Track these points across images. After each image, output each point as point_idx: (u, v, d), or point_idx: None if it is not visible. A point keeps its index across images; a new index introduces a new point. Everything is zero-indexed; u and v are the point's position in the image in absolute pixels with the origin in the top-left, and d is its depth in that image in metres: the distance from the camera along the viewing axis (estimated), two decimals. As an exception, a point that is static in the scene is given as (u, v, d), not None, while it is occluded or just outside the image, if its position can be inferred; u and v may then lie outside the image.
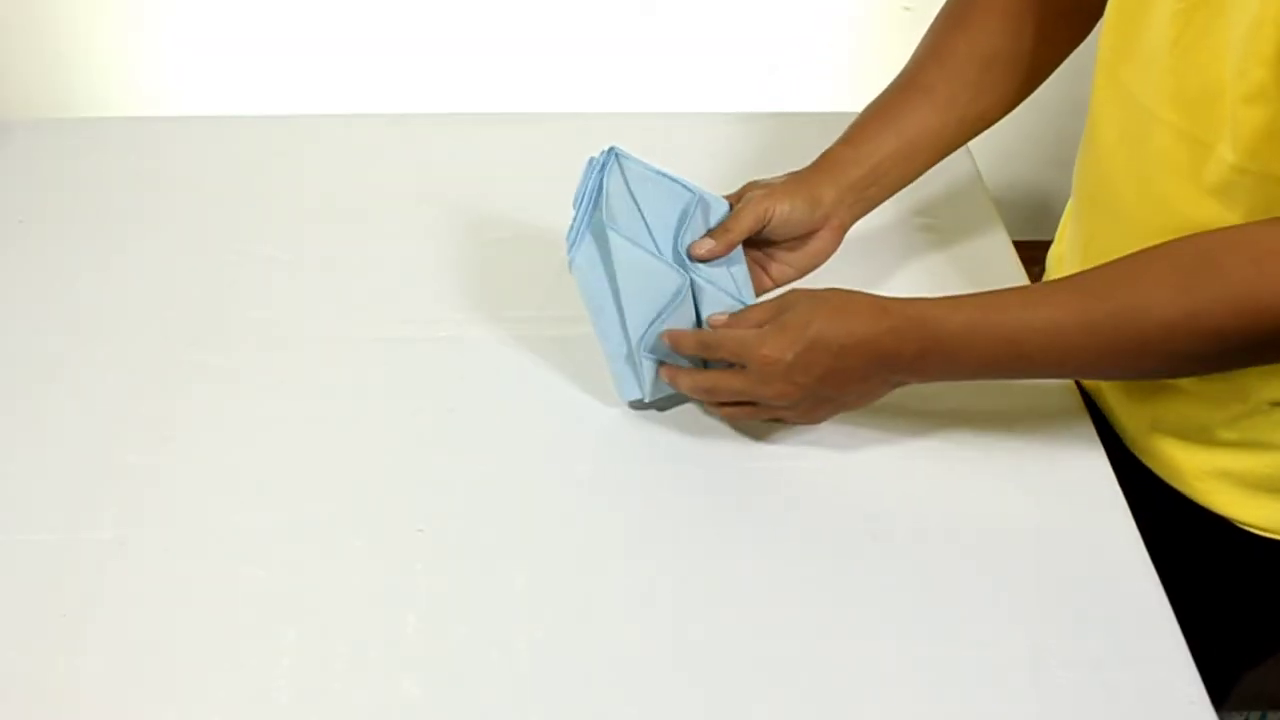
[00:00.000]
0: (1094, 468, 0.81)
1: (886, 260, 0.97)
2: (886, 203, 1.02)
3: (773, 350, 0.73)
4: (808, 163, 0.86)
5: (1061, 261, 0.93)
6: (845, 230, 0.86)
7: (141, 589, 0.73)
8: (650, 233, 0.79)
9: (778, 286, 0.86)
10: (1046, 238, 1.00)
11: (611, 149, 0.79)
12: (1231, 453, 0.79)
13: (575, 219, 0.79)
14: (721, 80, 1.69)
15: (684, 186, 0.80)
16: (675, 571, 0.75)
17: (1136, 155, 0.75)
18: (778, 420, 0.80)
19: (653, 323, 0.78)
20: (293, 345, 0.89)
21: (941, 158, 0.88)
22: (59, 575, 0.74)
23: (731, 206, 0.83)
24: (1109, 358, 0.71)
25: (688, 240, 0.79)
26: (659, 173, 0.80)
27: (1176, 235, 0.71)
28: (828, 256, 0.86)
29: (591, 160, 0.80)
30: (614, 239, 0.76)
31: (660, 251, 0.79)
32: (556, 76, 1.72)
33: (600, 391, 0.85)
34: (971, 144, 1.09)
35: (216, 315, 0.92)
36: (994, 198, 1.05)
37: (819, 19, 1.70)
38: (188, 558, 0.75)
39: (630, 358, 0.80)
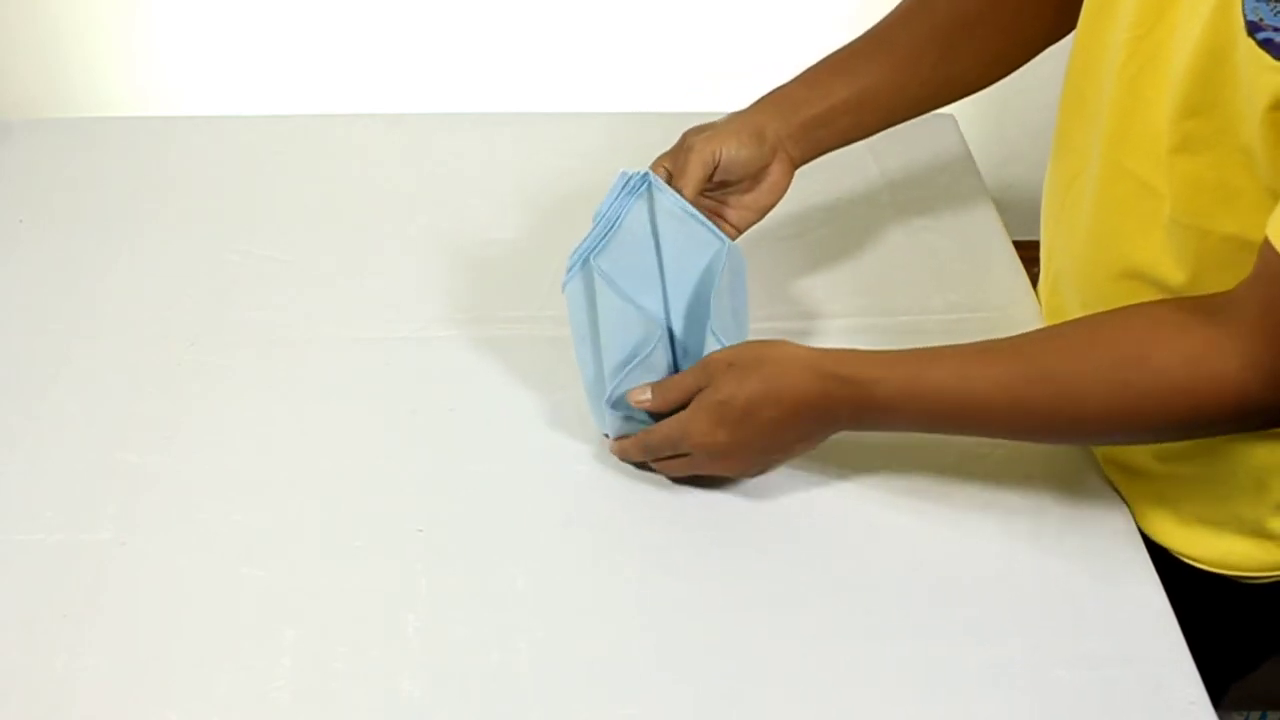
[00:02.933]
0: (1092, 468, 0.81)
1: (887, 260, 0.97)
2: (886, 202, 1.03)
3: (702, 435, 0.73)
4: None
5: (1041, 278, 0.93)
6: (795, 166, 0.83)
7: (141, 589, 0.73)
8: (662, 272, 0.77)
9: (740, 232, 0.83)
10: (1046, 238, 1.00)
11: (645, 175, 0.76)
12: (1162, 484, 0.78)
13: (582, 243, 0.76)
14: (721, 80, 1.69)
15: (714, 234, 0.76)
16: (674, 571, 0.75)
17: (1090, 185, 0.74)
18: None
19: (623, 369, 0.75)
20: (292, 345, 0.89)
21: (901, 117, 0.85)
22: (59, 575, 0.74)
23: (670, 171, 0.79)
24: (1044, 433, 0.73)
25: (722, 298, 0.75)
26: (691, 214, 0.76)
27: (1123, 276, 0.72)
28: (783, 192, 0.83)
29: (624, 175, 0.76)
30: (599, 282, 0.74)
31: (667, 294, 0.77)
32: (557, 76, 1.72)
33: (600, 391, 0.85)
34: (972, 144, 1.10)
35: (216, 315, 0.92)
36: (994, 198, 1.05)
37: (817, 18, 1.70)
38: (188, 558, 0.75)
39: (600, 394, 0.78)
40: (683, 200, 0.76)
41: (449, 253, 0.98)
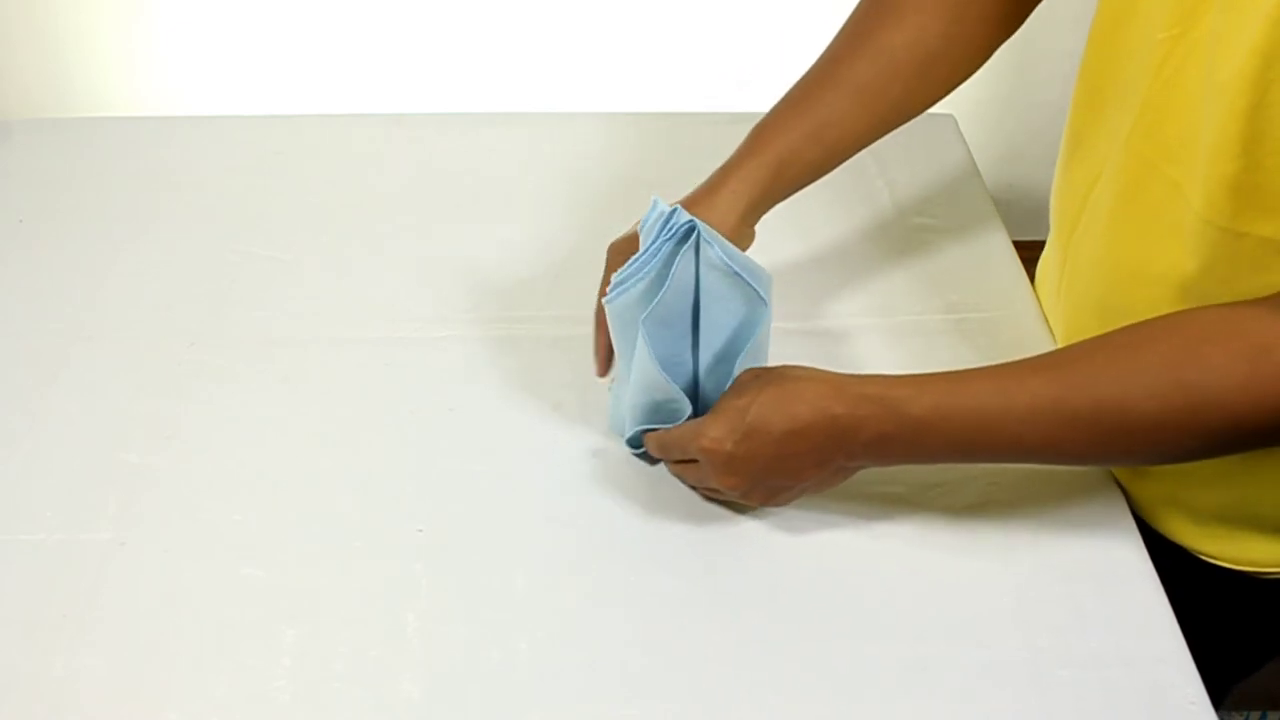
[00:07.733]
0: (1093, 467, 0.81)
1: (887, 260, 0.97)
2: (886, 202, 1.03)
3: (711, 441, 0.70)
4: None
5: (1044, 282, 0.92)
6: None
7: (141, 589, 0.73)
8: (695, 324, 0.74)
9: None
10: (1046, 238, 1.00)
11: (693, 224, 0.71)
12: (1174, 483, 0.78)
13: (630, 269, 0.72)
14: (721, 80, 1.69)
15: (757, 292, 0.72)
16: (675, 571, 0.75)
17: (1112, 186, 0.73)
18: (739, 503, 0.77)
19: (645, 412, 0.76)
20: (293, 345, 0.90)
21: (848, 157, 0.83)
22: (59, 575, 0.74)
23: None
24: (1090, 450, 0.67)
25: (753, 355, 0.74)
26: (737, 272, 0.71)
27: (1150, 278, 0.70)
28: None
29: (663, 211, 0.72)
30: (641, 340, 0.72)
31: (698, 347, 0.75)
32: (556, 76, 1.72)
33: (601, 391, 0.85)
34: (971, 144, 1.10)
35: (216, 315, 0.92)
36: (994, 198, 1.05)
37: (818, 19, 1.70)
38: (188, 558, 0.75)
39: (622, 410, 0.79)
40: (732, 254, 0.72)
41: (449, 253, 0.98)
